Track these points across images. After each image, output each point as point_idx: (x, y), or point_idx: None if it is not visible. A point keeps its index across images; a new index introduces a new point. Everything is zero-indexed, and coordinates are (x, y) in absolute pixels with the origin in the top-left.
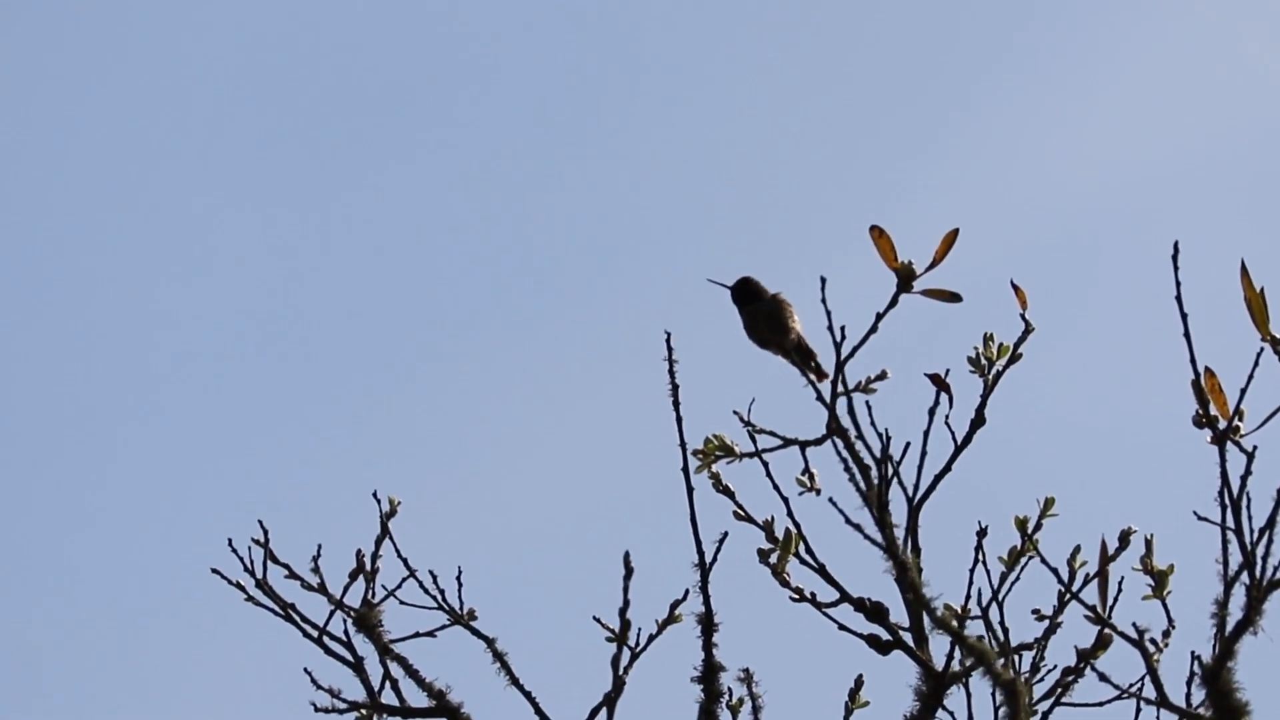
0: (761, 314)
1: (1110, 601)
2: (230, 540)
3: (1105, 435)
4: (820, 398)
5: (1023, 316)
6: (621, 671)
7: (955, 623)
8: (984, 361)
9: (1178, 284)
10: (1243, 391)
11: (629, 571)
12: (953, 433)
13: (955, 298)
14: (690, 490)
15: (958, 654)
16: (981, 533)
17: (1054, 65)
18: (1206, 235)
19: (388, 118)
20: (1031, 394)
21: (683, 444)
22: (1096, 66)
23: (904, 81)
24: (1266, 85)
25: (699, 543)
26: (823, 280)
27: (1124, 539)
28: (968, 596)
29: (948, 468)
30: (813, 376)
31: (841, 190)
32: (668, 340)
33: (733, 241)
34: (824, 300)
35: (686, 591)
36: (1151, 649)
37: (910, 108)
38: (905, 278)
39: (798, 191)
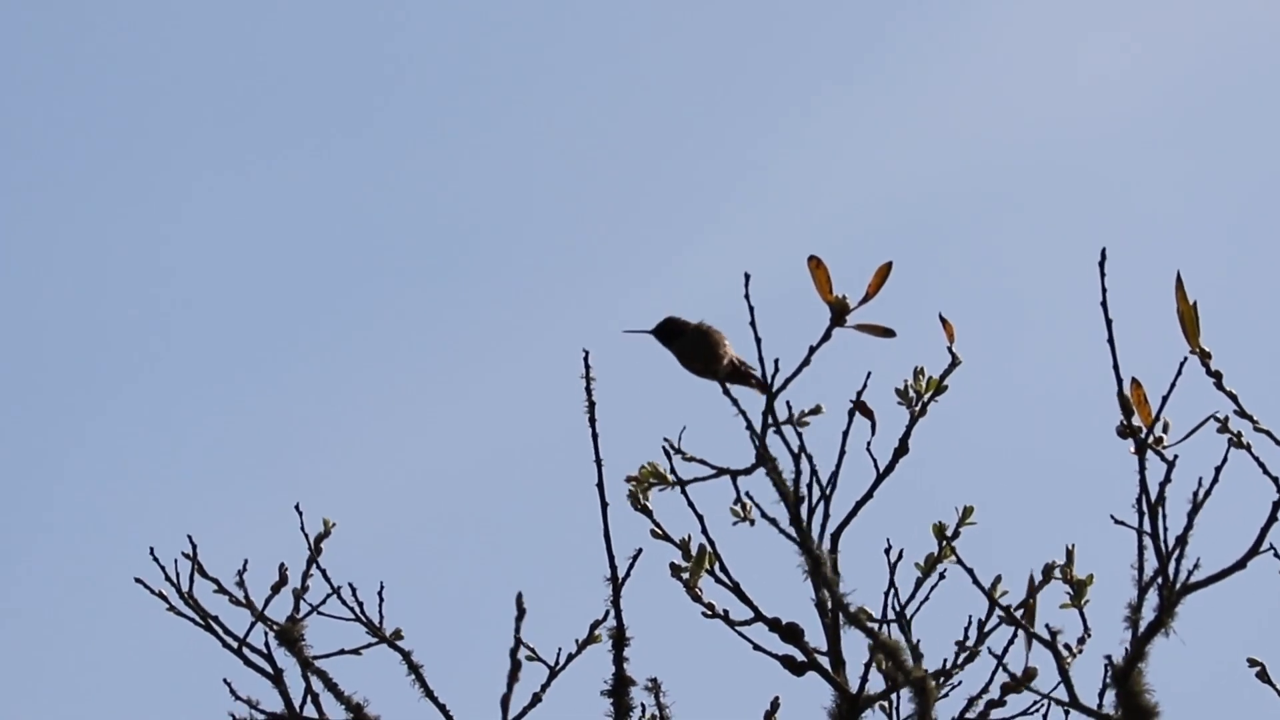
0: (690, 347)
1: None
2: (153, 549)
3: (1025, 444)
4: (750, 427)
5: (949, 349)
6: (540, 689)
7: (868, 622)
8: (912, 394)
9: (1104, 290)
10: (1164, 400)
11: (520, 613)
12: (875, 460)
13: (888, 333)
14: (604, 506)
15: (872, 675)
16: (891, 551)
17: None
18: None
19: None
20: (954, 410)
21: (598, 460)
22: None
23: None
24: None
25: (612, 558)
26: (746, 276)
27: (1048, 572)
28: (885, 609)
29: (869, 494)
30: (755, 391)
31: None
32: (585, 359)
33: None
34: (747, 296)
35: (606, 612)
36: (1065, 654)
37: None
38: (839, 311)
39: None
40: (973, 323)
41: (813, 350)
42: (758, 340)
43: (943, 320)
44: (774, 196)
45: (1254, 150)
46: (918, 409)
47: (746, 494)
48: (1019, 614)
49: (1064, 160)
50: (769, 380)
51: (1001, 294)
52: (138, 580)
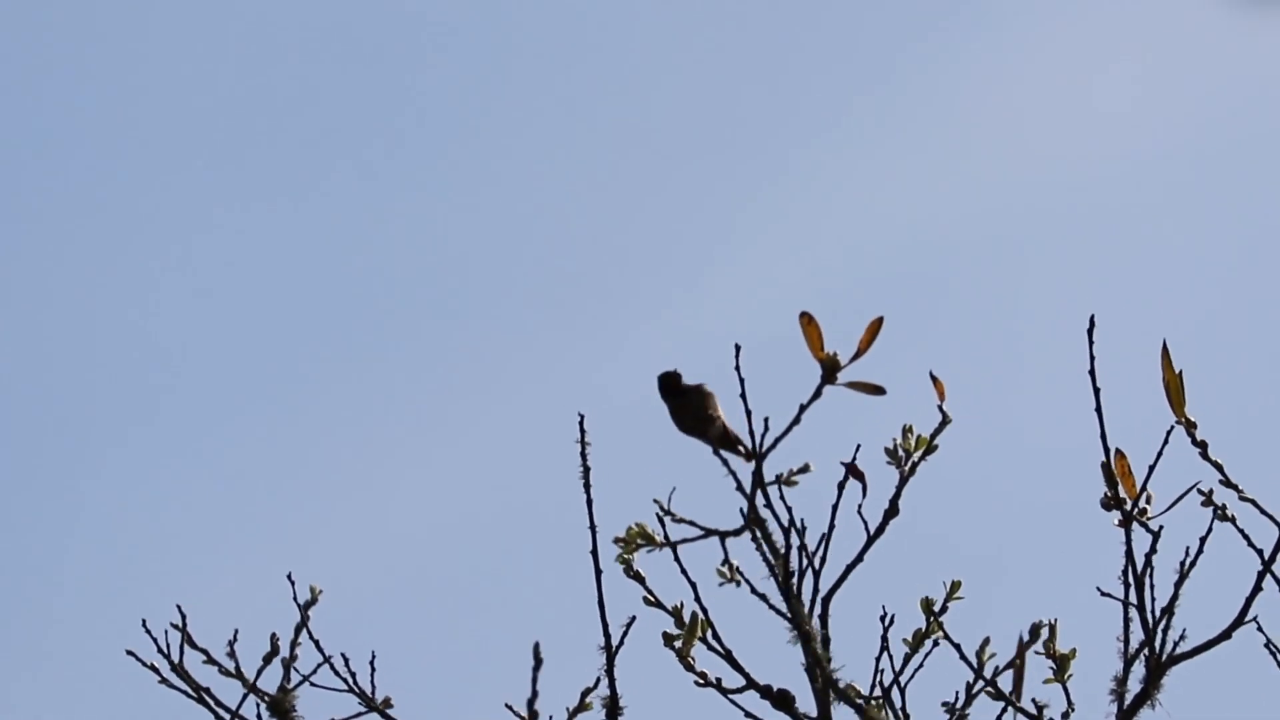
0: (686, 406)
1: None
2: (144, 621)
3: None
4: (740, 488)
5: (940, 408)
6: None
7: (857, 698)
8: (901, 454)
9: (1091, 359)
10: (1150, 470)
11: (538, 662)
12: (865, 523)
13: (879, 390)
14: (599, 573)
15: None
16: (886, 618)
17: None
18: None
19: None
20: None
21: (592, 526)
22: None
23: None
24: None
25: (606, 626)
26: (737, 348)
27: (1034, 632)
28: (874, 683)
29: (859, 558)
30: (741, 459)
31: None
32: (580, 422)
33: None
34: (738, 368)
35: (598, 679)
36: None
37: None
38: (830, 369)
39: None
40: (969, 376)
41: (803, 409)
42: (748, 413)
43: (933, 378)
44: (769, 245)
45: (1253, 204)
46: (907, 468)
47: (733, 564)
48: (1005, 682)
49: (1064, 210)
50: (759, 444)
51: (999, 345)
52: (129, 653)
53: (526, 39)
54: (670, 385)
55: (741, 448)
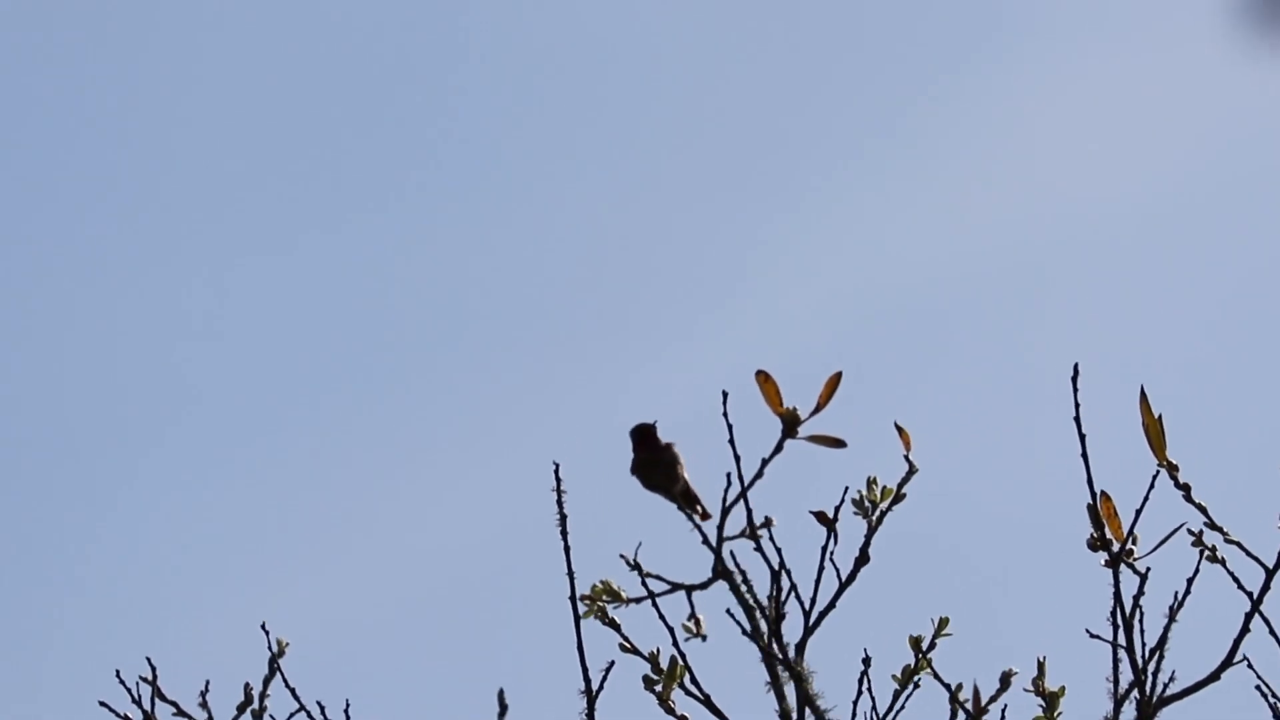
0: (657, 463)
1: None
2: (118, 672)
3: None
4: (706, 542)
5: (906, 458)
6: None
7: None
8: (867, 504)
9: (1076, 405)
10: (1137, 513)
11: (503, 709)
12: (838, 570)
13: (839, 444)
14: (578, 619)
15: None
16: (866, 660)
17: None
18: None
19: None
20: (922, 519)
21: (570, 574)
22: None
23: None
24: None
25: (585, 670)
26: (724, 394)
27: (1005, 680)
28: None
29: (832, 605)
30: (697, 519)
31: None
32: (556, 471)
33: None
34: (725, 414)
35: None
36: None
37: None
38: (790, 423)
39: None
40: (941, 426)
41: (765, 463)
42: (737, 458)
43: (899, 429)
44: (775, 283)
45: (1238, 250)
46: (874, 518)
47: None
48: None
49: (1039, 256)
50: (724, 498)
51: (997, 385)
52: (102, 704)
53: (555, 77)
54: (645, 439)
55: (699, 507)
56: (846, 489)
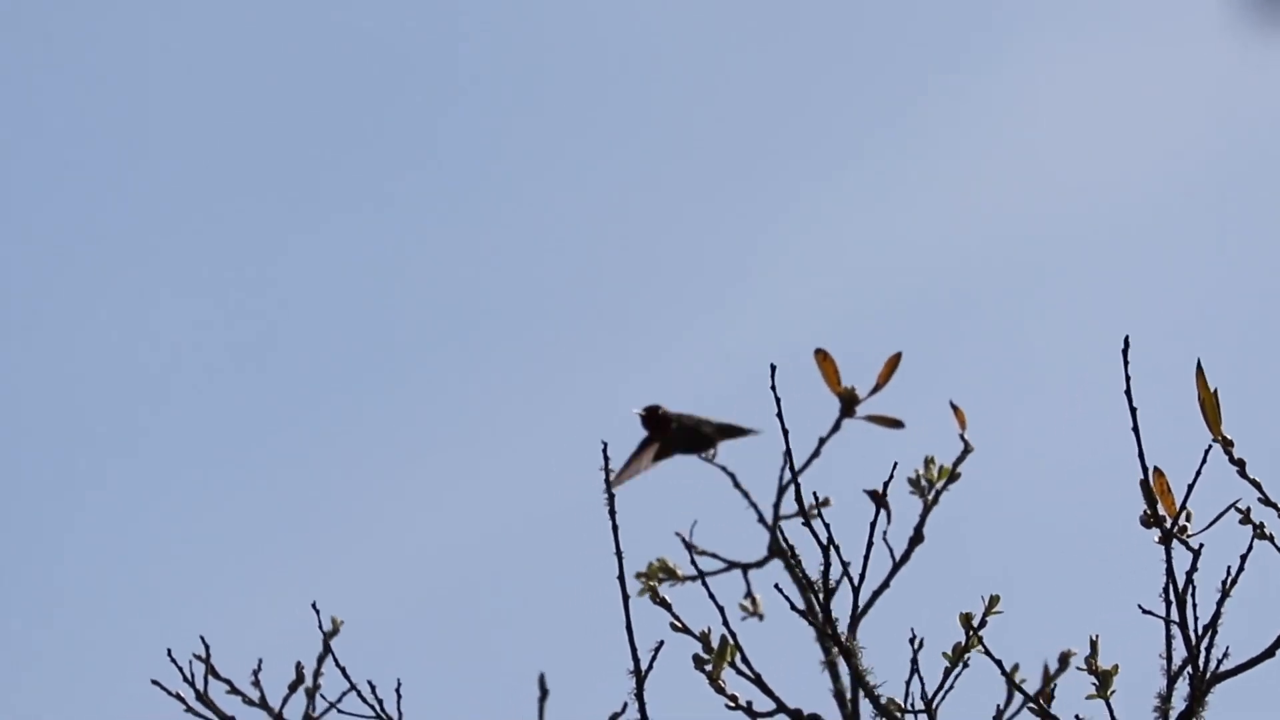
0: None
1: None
2: (170, 650)
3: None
4: (762, 520)
5: (962, 437)
6: None
7: (898, 714)
8: (924, 483)
9: (1127, 379)
10: (1189, 489)
11: (544, 693)
12: (890, 550)
13: (898, 424)
14: (626, 599)
15: None
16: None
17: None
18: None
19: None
20: (973, 496)
21: (619, 552)
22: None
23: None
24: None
25: (634, 650)
26: (773, 367)
27: (1064, 660)
28: (905, 701)
29: (885, 584)
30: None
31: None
32: (604, 450)
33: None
34: (774, 387)
35: (625, 704)
36: None
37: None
38: (848, 403)
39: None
40: (996, 404)
41: (822, 442)
42: (785, 432)
43: (954, 407)
44: (791, 269)
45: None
46: (930, 498)
47: (755, 598)
48: (1041, 701)
49: (1090, 234)
50: (780, 476)
51: (1025, 372)
52: (155, 682)
53: (555, 71)
54: (657, 421)
55: (740, 428)
56: (896, 464)
